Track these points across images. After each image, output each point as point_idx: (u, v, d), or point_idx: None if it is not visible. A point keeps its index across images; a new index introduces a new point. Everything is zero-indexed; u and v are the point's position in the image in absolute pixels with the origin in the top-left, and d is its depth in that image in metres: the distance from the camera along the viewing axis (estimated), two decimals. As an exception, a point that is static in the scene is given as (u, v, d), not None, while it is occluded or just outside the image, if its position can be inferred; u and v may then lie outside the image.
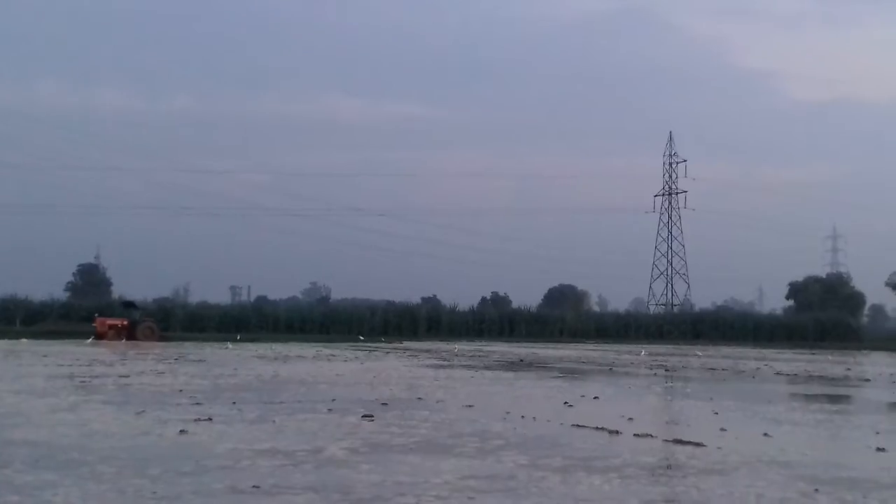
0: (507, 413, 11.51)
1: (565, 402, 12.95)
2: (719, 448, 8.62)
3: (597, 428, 10.03)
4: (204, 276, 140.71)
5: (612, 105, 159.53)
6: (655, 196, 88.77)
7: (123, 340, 38.38)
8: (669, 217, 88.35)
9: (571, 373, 22.07)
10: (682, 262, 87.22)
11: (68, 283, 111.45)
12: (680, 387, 17.80)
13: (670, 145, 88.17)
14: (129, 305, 44.58)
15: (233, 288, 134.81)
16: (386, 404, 12.46)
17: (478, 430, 9.73)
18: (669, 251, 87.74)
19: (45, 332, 43.23)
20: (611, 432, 9.77)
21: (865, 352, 47.67)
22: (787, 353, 40.37)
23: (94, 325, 40.33)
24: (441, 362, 25.93)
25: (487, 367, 23.49)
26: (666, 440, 9.16)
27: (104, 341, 37.97)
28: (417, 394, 14.32)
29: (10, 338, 38.43)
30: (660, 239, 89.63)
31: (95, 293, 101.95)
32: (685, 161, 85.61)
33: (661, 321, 68.00)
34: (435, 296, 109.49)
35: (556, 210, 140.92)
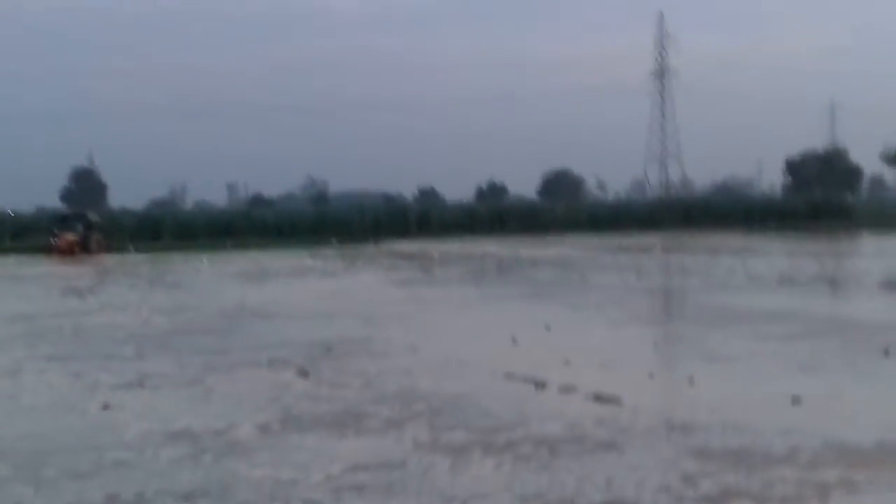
0: (447, 359, 11.49)
1: (512, 338, 12.88)
2: (634, 407, 8.58)
3: (525, 379, 10.00)
4: (200, 174, 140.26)
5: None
6: (649, 75, 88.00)
7: (80, 255, 37.77)
8: (662, 97, 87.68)
9: (540, 285, 22.10)
10: (677, 144, 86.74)
11: (63, 188, 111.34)
12: (636, 304, 17.79)
13: (661, 23, 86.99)
14: (70, 218, 43.53)
15: (230, 185, 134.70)
16: (330, 349, 12.44)
17: (404, 389, 9.71)
18: (662, 133, 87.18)
19: (36, 247, 42.70)
20: (537, 385, 9.73)
21: (855, 234, 47.66)
22: (775, 242, 40.30)
23: (54, 241, 39.40)
24: (416, 275, 25.96)
25: (460, 280, 23.52)
26: (586, 396, 9.12)
27: (65, 257, 37.41)
28: (370, 330, 14.30)
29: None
30: (653, 120, 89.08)
31: (91, 199, 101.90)
32: (675, 39, 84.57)
33: (654, 208, 67.76)
34: (433, 188, 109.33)
35: (548, 94, 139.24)
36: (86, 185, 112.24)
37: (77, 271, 30.67)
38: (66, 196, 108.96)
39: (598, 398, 9.01)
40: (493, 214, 62.01)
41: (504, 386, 9.82)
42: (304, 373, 10.75)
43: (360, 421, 8.27)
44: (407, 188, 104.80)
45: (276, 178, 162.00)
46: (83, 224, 41.41)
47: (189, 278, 26.71)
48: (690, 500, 5.91)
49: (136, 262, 35.08)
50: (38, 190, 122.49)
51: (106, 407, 9.06)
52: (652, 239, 42.94)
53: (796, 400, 8.57)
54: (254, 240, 49.93)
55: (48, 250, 38.60)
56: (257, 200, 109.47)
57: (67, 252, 38.05)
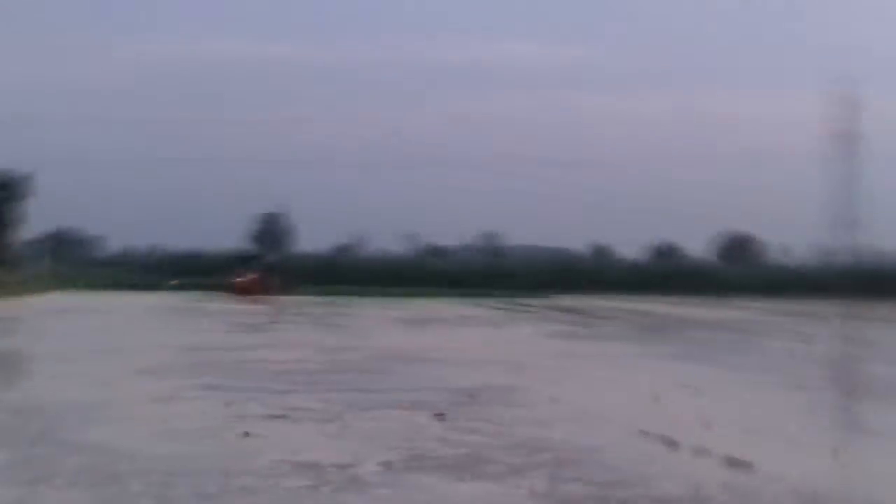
0: (585, 413, 11.43)
1: (655, 397, 12.69)
2: (765, 475, 8.32)
3: (659, 438, 9.84)
4: (381, 224, 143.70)
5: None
6: (833, 138, 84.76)
7: (258, 295, 39.50)
8: (848, 161, 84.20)
9: (700, 346, 21.63)
10: (863, 210, 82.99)
11: (253, 230, 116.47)
12: (796, 371, 17.15)
13: (846, 85, 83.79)
14: (250, 259, 45.52)
15: (408, 235, 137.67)
16: (473, 396, 12.57)
17: (534, 439, 9.72)
18: (849, 198, 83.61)
19: (221, 285, 44.94)
20: (669, 444, 9.57)
21: None
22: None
23: (234, 281, 41.40)
24: (576, 330, 25.84)
25: (619, 337, 23.28)
26: (719, 460, 8.89)
27: (244, 296, 39.27)
28: (516, 380, 14.36)
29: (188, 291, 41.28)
30: (838, 185, 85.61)
31: (278, 242, 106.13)
32: (861, 101, 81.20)
33: (837, 275, 64.93)
34: (607, 244, 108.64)
35: (726, 155, 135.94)
36: (274, 229, 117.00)
37: (251, 309, 32.04)
38: (256, 238, 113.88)
39: (731, 462, 8.75)
40: (666, 274, 61.00)
41: (636, 443, 9.69)
42: (440, 416, 10.89)
43: (484, 466, 8.32)
44: (581, 244, 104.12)
45: (453, 230, 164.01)
46: (262, 265, 43.31)
47: (355, 321, 27.45)
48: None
49: (309, 303, 36.30)
50: (229, 231, 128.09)
51: (246, 435, 9.43)
52: (831, 307, 41.19)
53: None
54: (425, 288, 50.79)
55: (230, 288, 40.56)
56: (432, 250, 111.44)
57: (247, 291, 39.85)
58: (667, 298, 48.67)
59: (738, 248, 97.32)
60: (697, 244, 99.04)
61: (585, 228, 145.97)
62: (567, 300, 45.36)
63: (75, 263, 69.77)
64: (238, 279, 41.45)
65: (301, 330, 23.67)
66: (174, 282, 46.19)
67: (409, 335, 22.52)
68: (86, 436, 9.14)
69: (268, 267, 43.97)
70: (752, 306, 41.33)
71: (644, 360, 18.12)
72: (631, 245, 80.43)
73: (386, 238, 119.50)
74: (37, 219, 66.12)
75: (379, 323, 26.93)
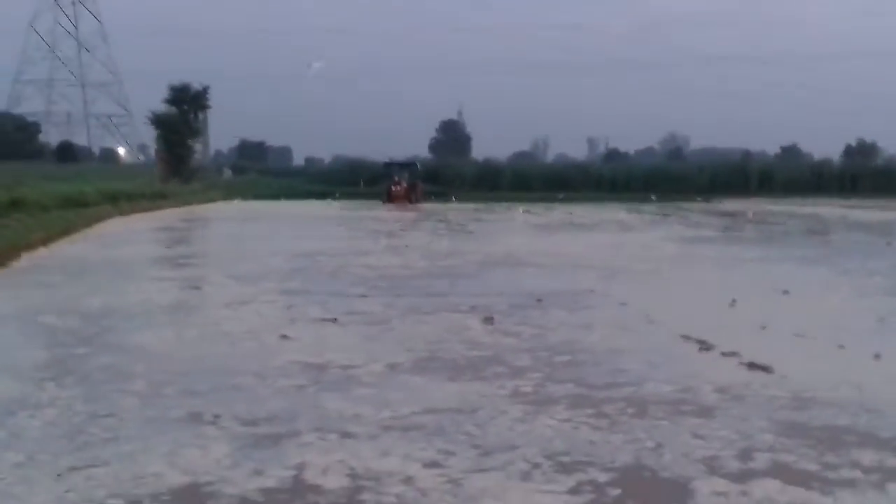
0: (643, 318, 11.22)
1: (732, 301, 12.28)
2: (780, 377, 8.03)
3: (697, 341, 9.61)
4: (563, 129, 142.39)
5: None
6: None
7: (408, 203, 40.31)
8: None
9: (837, 249, 20.61)
10: None
11: (431, 139, 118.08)
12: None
13: None
14: (397, 167, 46.11)
15: (590, 140, 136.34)
16: (541, 300, 12.52)
17: (565, 342, 9.66)
18: None
19: (371, 193, 46.24)
20: (702, 348, 9.34)
21: None
22: None
23: (387, 189, 42.38)
24: (713, 234, 25.10)
25: (755, 241, 22.50)
26: (741, 362, 8.62)
27: (396, 203, 40.25)
28: (600, 284, 14.17)
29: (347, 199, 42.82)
30: None
31: (456, 150, 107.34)
32: None
33: None
34: (796, 145, 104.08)
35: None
36: (452, 137, 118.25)
37: (396, 216, 32.70)
38: (434, 146, 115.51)
39: (751, 365, 8.48)
40: (855, 174, 57.74)
41: (667, 346, 9.49)
42: (489, 320, 10.94)
43: (490, 367, 8.38)
44: (771, 146, 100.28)
45: (638, 134, 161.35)
46: (410, 172, 44.06)
47: (488, 227, 27.61)
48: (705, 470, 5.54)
49: (458, 209, 36.69)
50: (408, 140, 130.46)
51: (283, 338, 9.77)
52: None
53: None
54: (586, 193, 50.34)
55: (384, 197, 41.72)
56: (613, 155, 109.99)
57: (399, 199, 40.80)
58: (853, 200, 46.27)
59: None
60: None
61: (776, 129, 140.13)
62: (734, 203, 43.95)
63: (256, 174, 72.78)
64: (392, 187, 42.40)
65: (427, 236, 23.99)
66: (336, 194, 47.57)
67: (531, 240, 22.49)
68: (132, 338, 9.64)
69: (414, 174, 44.60)
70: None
71: (759, 264, 17.49)
72: (825, 144, 76.39)
73: (567, 144, 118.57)
74: (222, 131, 69.48)
75: (510, 229, 27.01)
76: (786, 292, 13.23)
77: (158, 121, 56.62)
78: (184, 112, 56.84)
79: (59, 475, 5.34)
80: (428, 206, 40.18)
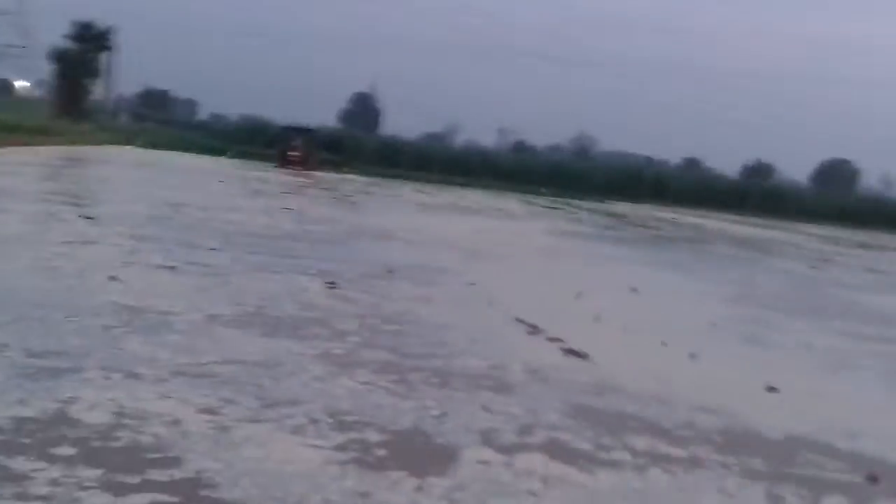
0: (487, 299, 11.28)
1: (578, 294, 12.45)
2: (589, 365, 8.18)
3: (528, 325, 9.71)
4: (474, 116, 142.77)
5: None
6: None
7: (301, 171, 40.09)
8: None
9: (698, 258, 21.10)
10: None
11: (342, 110, 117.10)
12: (771, 290, 16.62)
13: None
14: (294, 132, 45.74)
15: (500, 130, 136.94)
16: (392, 272, 12.51)
17: (398, 313, 9.66)
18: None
19: (267, 155, 45.72)
20: (530, 332, 9.45)
21: None
22: None
23: (284, 153, 42.07)
24: (592, 231, 25.46)
25: (625, 243, 22.89)
26: (563, 349, 8.75)
27: (289, 168, 39.99)
28: (459, 264, 14.23)
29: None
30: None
31: (366, 124, 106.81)
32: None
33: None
34: (696, 158, 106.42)
35: (838, 80, 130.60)
36: (363, 110, 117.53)
37: (286, 180, 32.35)
38: (345, 117, 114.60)
39: (569, 351, 8.62)
40: (748, 192, 59.33)
41: (497, 327, 9.57)
42: (331, 284, 10.88)
43: (310, 328, 8.33)
44: (677, 157, 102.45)
45: (548, 129, 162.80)
46: (308, 139, 43.68)
47: (373, 201, 27.54)
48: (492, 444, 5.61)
49: (350, 181, 36.51)
50: (319, 108, 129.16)
51: (112, 279, 9.53)
52: None
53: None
54: (485, 181, 50.58)
55: (280, 160, 41.31)
56: (520, 147, 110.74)
57: (294, 163, 40.46)
58: (740, 216, 47.49)
59: (833, 175, 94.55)
60: (796, 167, 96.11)
61: (682, 140, 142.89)
62: (625, 207, 44.68)
63: (156, 123, 71.15)
64: (289, 152, 41.98)
65: (309, 202, 23.82)
66: (230, 151, 46.92)
67: (409, 218, 22.50)
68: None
69: (310, 141, 44.20)
70: (821, 233, 40.06)
71: (621, 264, 17.79)
72: (726, 161, 78.09)
73: (477, 131, 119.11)
74: (128, 76, 67.80)
75: (395, 206, 26.95)
76: (634, 290, 13.46)
77: (57, 56, 54.95)
78: (85, 50, 55.24)
79: None
80: (321, 175, 39.85)
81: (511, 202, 35.82)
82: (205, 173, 30.63)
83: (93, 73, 55.70)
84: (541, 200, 40.18)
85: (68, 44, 54.86)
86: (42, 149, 31.95)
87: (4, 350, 6.33)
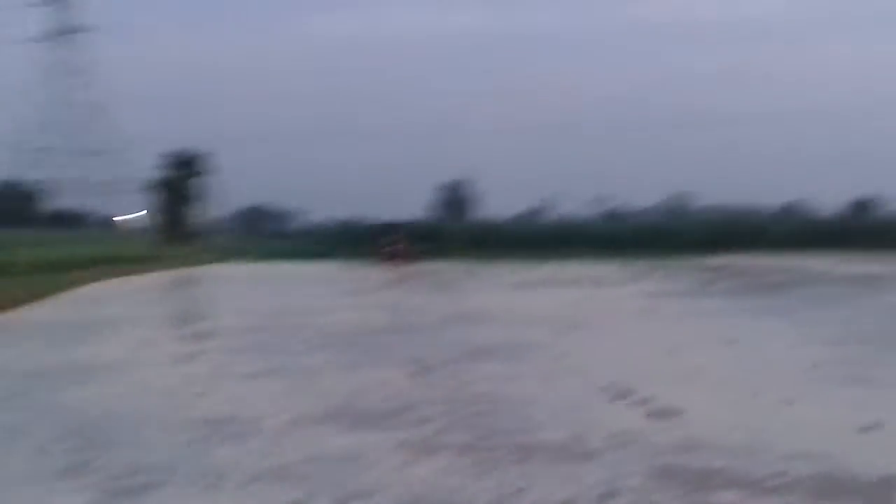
0: (574, 368, 11.22)
1: (670, 351, 12.29)
2: (684, 425, 8.03)
3: (620, 389, 9.61)
4: (569, 189, 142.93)
5: None
6: None
7: (399, 265, 40.48)
8: None
9: (801, 299, 20.55)
10: None
11: (433, 200, 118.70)
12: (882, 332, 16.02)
13: None
14: (387, 230, 46.39)
15: (596, 199, 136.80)
16: (474, 354, 12.54)
17: (478, 394, 9.66)
18: None
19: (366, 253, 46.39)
20: (619, 396, 9.35)
21: None
22: None
23: (381, 249, 42.71)
24: (688, 287, 25.07)
25: (723, 294, 22.49)
26: (648, 409, 8.64)
27: (388, 264, 40.47)
28: (550, 337, 14.16)
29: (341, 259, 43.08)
30: None
31: (458, 210, 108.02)
32: None
33: None
34: (799, 201, 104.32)
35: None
36: (455, 197, 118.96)
37: (384, 276, 32.75)
38: (436, 207, 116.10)
39: (656, 411, 8.50)
40: (842, 228, 57.48)
41: (583, 395, 9.52)
42: (418, 373, 10.97)
43: (395, 418, 8.41)
44: (778, 202, 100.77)
45: (644, 191, 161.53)
46: (399, 233, 44.35)
47: (467, 287, 27.61)
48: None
49: (445, 270, 36.75)
50: (412, 200, 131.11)
51: (200, 395, 9.80)
52: None
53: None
54: (579, 252, 50.30)
55: (378, 256, 42.02)
56: (613, 214, 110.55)
57: (391, 258, 41.08)
58: (847, 255, 45.99)
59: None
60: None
61: (784, 185, 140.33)
62: (724, 259, 43.84)
63: (263, 237, 73.17)
64: (385, 248, 42.72)
65: (403, 294, 24.11)
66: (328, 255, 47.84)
67: (504, 298, 22.49)
68: (52, 396, 9.69)
69: (400, 236, 44.89)
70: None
71: (719, 316, 17.42)
72: (831, 200, 76.16)
73: (575, 202, 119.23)
74: (230, 195, 70.29)
75: (489, 287, 26.97)
76: (732, 342, 13.22)
77: (156, 186, 57.21)
78: (181, 177, 57.37)
79: None
80: (418, 267, 40.19)
81: (607, 269, 35.51)
82: (304, 279, 31.22)
83: (189, 198, 57.68)
84: (637, 264, 39.71)
85: (163, 174, 57.07)
86: (149, 276, 33.07)
87: (98, 470, 6.55)
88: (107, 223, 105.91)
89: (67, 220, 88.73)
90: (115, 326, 16.26)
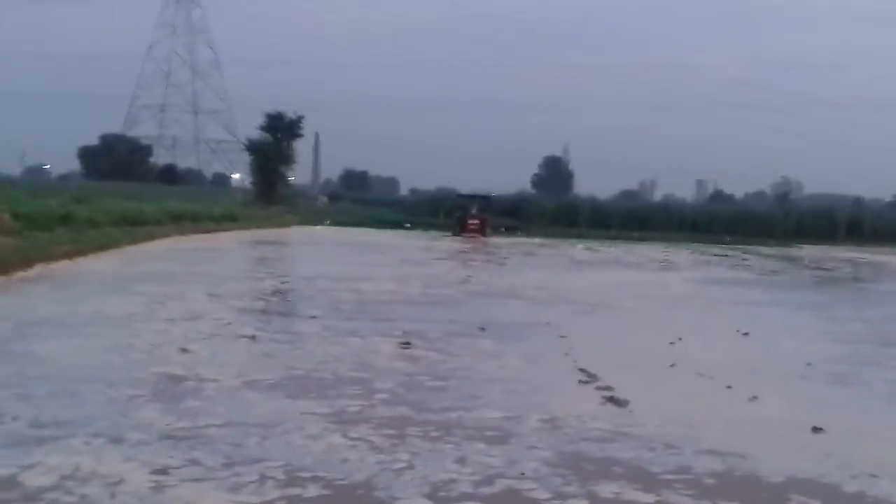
0: (566, 350, 11.08)
1: (675, 340, 12.03)
2: (634, 410, 7.90)
3: (591, 374, 9.49)
4: (672, 170, 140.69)
5: None
6: None
7: (475, 237, 40.47)
8: None
9: (854, 294, 19.85)
10: None
11: (534, 175, 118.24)
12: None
13: None
14: (469, 200, 46.08)
15: (699, 182, 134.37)
16: (483, 329, 12.49)
17: (459, 368, 9.65)
18: None
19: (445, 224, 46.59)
20: (583, 381, 9.24)
21: None
22: None
23: (460, 221, 42.59)
24: (751, 277, 24.45)
25: (776, 286, 21.90)
26: (604, 396, 8.50)
27: (467, 236, 40.50)
28: (569, 318, 14.05)
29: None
30: None
31: (558, 187, 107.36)
32: None
33: None
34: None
35: None
36: (555, 173, 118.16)
37: (446, 247, 32.83)
38: (536, 182, 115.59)
39: (610, 399, 8.38)
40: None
41: (554, 379, 9.41)
42: (405, 345, 10.99)
43: (347, 388, 8.43)
44: (890, 194, 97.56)
45: (749, 177, 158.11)
46: (481, 206, 44.24)
47: (529, 262, 27.46)
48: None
49: (517, 244, 36.62)
50: (514, 175, 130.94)
51: (183, 351, 9.97)
52: None
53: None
54: (669, 234, 49.65)
55: (455, 229, 42.08)
56: (718, 197, 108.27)
57: (472, 231, 41.13)
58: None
59: None
60: None
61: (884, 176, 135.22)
62: (813, 250, 42.70)
63: (351, 202, 73.99)
64: (465, 220, 42.73)
65: (457, 266, 24.11)
66: (407, 224, 48.19)
67: (552, 276, 22.27)
68: (38, 345, 9.95)
69: (484, 208, 44.76)
70: None
71: (754, 308, 16.97)
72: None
73: (676, 185, 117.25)
74: (332, 160, 71.41)
75: (548, 264, 26.80)
76: (745, 334, 12.89)
77: (252, 147, 58.29)
78: (277, 139, 58.23)
79: None
80: (493, 241, 40.16)
81: (683, 253, 34.92)
82: (371, 246, 31.43)
83: (285, 160, 58.54)
84: (717, 249, 38.92)
85: (262, 135, 58.04)
86: (224, 234, 33.76)
87: (13, 421, 6.73)
88: (219, 182, 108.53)
89: (170, 176, 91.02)
90: (151, 281, 16.59)
